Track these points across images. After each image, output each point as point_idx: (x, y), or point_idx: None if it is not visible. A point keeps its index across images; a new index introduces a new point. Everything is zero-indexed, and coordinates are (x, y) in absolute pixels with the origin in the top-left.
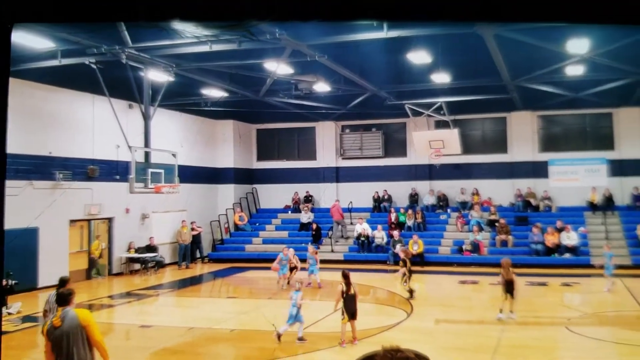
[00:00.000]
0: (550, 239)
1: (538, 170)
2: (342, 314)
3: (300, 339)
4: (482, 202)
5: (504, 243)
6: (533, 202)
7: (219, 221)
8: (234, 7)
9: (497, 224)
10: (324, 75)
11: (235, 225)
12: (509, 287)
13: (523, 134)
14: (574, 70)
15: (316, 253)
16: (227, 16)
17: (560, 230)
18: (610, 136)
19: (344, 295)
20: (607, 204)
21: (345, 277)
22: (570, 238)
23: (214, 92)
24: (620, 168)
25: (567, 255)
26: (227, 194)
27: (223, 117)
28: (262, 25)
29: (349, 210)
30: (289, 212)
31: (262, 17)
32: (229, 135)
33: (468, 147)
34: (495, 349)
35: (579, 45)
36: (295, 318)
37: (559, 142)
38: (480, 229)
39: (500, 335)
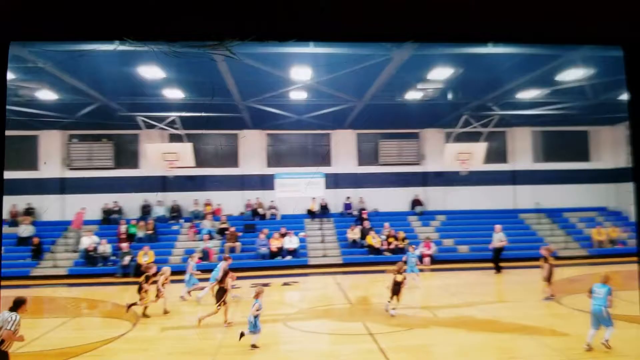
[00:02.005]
0: (275, 244)
1: (266, 182)
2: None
3: (254, 345)
4: (213, 211)
5: (233, 249)
6: (261, 211)
7: None
8: (215, 28)
9: (227, 232)
10: (49, 83)
11: None
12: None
13: (253, 150)
14: (298, 95)
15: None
16: (209, 36)
17: (283, 235)
18: (327, 154)
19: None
20: (324, 212)
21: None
22: (292, 242)
23: None
24: (335, 181)
25: (288, 258)
26: None
27: None
28: None
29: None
30: (6, 225)
31: (242, 37)
32: None
33: (202, 160)
34: (217, 349)
35: (302, 73)
36: (255, 326)
37: (285, 158)
38: (211, 238)
39: (223, 336)
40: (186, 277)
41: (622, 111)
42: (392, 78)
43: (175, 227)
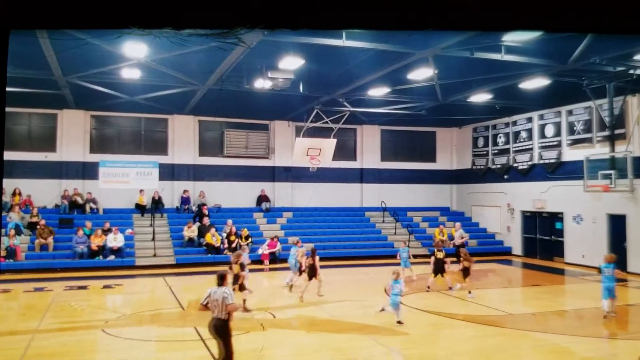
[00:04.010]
0: (96, 241)
1: (88, 171)
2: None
3: (399, 322)
4: (22, 202)
5: (45, 247)
6: (80, 203)
7: None
8: (224, 16)
9: (38, 227)
10: None
11: None
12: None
13: (75, 133)
14: (131, 74)
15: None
16: (218, 25)
17: (106, 232)
18: (164, 141)
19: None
20: (156, 206)
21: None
22: (116, 240)
23: None
24: (172, 172)
25: (111, 257)
26: None
27: None
28: None
29: None
30: None
31: (252, 25)
32: None
33: (12, 142)
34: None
35: (136, 49)
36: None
37: (112, 143)
38: (19, 233)
39: (28, 344)
40: (292, 261)
41: (469, 113)
42: (240, 63)
43: None
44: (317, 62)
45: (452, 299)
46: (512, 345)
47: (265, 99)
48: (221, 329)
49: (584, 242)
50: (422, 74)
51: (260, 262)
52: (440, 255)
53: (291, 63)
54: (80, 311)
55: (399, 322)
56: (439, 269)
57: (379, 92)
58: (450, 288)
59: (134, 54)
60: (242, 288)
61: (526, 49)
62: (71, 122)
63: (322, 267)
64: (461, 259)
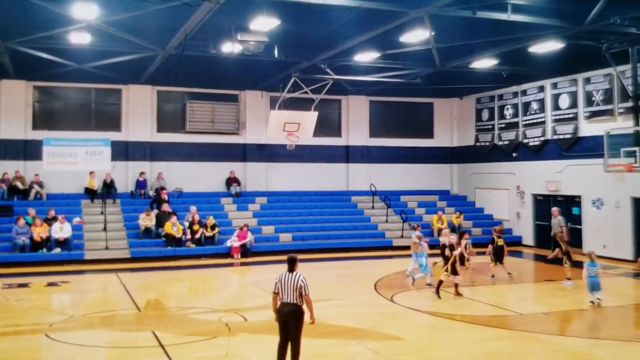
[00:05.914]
0: (39, 232)
1: (30, 150)
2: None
3: (598, 300)
4: None
5: None
6: (21, 187)
7: None
8: None
9: None
10: None
11: None
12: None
13: (15, 106)
14: (80, 38)
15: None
16: None
17: (51, 220)
18: (117, 115)
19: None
20: (108, 191)
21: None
22: (62, 230)
23: None
24: (126, 151)
25: (57, 250)
26: None
27: None
28: None
29: None
30: None
31: None
32: None
33: None
34: None
35: (86, 9)
36: (597, 286)
37: (58, 118)
38: None
39: None
40: (425, 246)
41: (471, 82)
42: (205, 24)
43: None
44: (295, 23)
45: (451, 297)
46: (522, 349)
47: (234, 65)
48: (297, 315)
49: (605, 230)
50: (416, 37)
51: (230, 255)
52: (500, 242)
53: (264, 24)
54: (20, 312)
55: (598, 299)
56: (500, 256)
57: (366, 57)
58: (568, 279)
59: (84, 16)
60: (455, 272)
61: (536, 7)
62: (10, 94)
63: (301, 260)
64: (562, 245)
